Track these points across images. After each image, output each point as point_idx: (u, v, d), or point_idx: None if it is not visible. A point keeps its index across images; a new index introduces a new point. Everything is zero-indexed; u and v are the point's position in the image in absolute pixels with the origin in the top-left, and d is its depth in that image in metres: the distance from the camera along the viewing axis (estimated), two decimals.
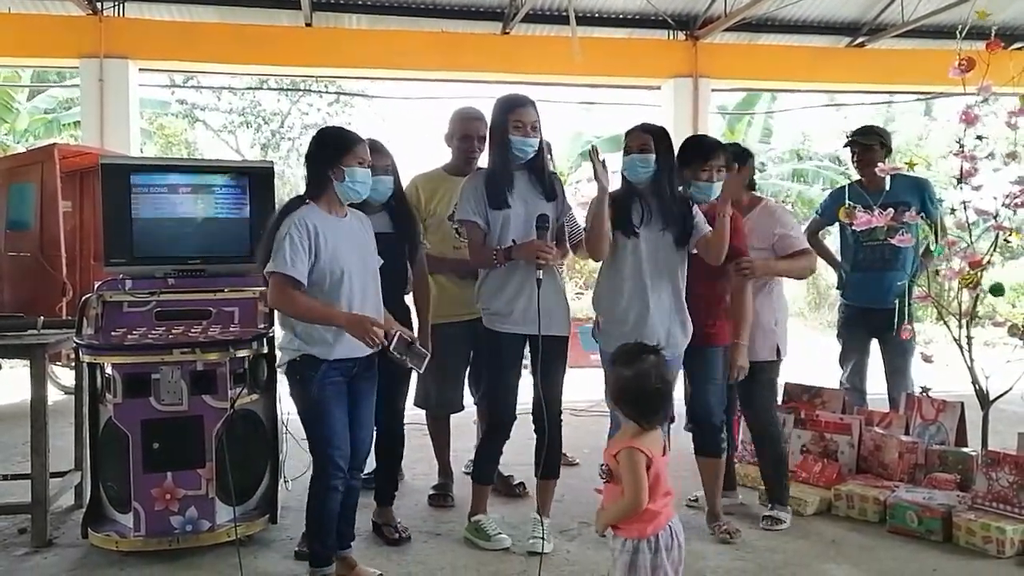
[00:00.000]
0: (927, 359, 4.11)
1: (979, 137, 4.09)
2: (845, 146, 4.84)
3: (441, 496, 4.18)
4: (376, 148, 3.39)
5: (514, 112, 3.43)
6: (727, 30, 9.73)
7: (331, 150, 3.05)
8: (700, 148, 3.64)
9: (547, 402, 3.43)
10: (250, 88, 17.95)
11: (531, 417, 3.52)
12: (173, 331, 3.46)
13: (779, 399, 4.97)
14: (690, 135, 3.66)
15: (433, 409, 4.21)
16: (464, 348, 4.05)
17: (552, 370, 3.46)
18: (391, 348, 2.99)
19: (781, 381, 4.99)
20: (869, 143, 4.59)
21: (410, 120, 25.44)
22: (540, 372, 3.42)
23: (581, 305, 9.62)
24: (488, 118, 3.64)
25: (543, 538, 3.43)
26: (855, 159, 4.70)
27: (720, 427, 3.71)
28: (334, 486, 3.04)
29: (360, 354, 3.04)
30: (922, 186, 4.57)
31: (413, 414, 4.14)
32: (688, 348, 3.56)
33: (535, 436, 3.54)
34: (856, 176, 4.81)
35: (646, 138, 3.49)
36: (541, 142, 3.51)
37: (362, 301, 3.05)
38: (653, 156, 3.47)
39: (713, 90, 10.71)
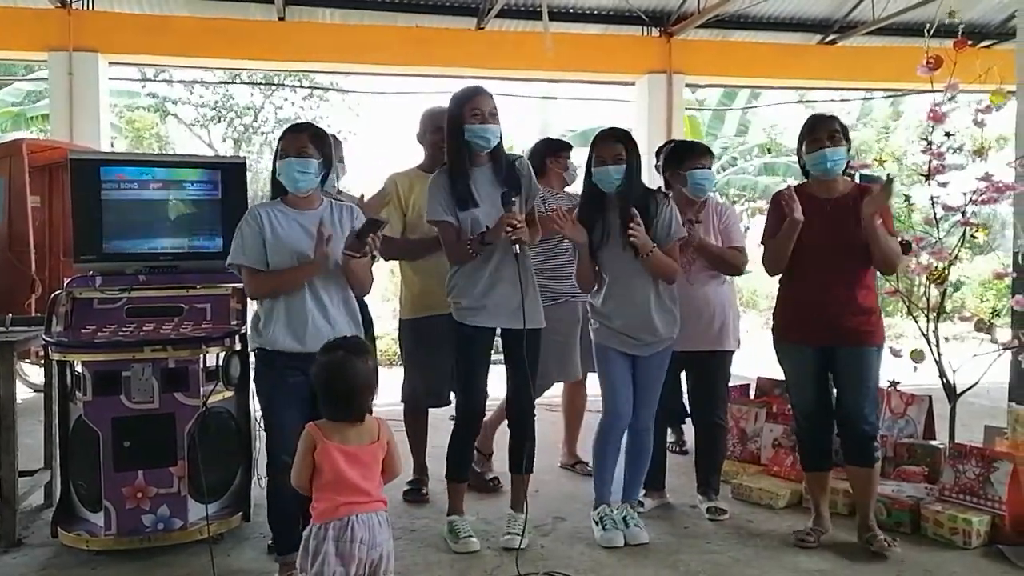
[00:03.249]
0: (896, 353, 4.16)
1: (947, 134, 4.16)
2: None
3: (415, 492, 4.18)
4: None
5: (470, 101, 3.38)
6: (700, 27, 9.78)
7: (274, 152, 3.19)
8: (806, 126, 3.49)
9: (523, 396, 3.48)
10: (222, 82, 17.78)
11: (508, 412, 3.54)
12: (144, 328, 3.42)
13: (751, 393, 5.07)
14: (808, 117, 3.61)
15: (420, 402, 4.19)
16: (451, 341, 4.02)
17: (528, 364, 3.46)
18: (360, 250, 3.05)
19: (753, 375, 5.09)
20: None
21: (384, 115, 25.37)
22: (516, 365, 3.44)
23: None
24: None
25: (516, 533, 3.44)
26: None
27: (874, 435, 3.47)
28: (280, 480, 3.04)
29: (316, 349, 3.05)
30: (875, 182, 4.60)
31: (387, 410, 4.13)
32: (837, 348, 3.40)
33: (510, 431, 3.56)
34: None
35: (619, 148, 3.47)
36: (501, 135, 3.45)
37: (323, 286, 3.09)
38: (625, 166, 3.47)
39: (687, 85, 10.77)
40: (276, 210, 3.12)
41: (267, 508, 3.15)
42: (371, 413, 2.60)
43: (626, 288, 3.49)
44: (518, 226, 3.27)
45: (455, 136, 3.42)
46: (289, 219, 3.11)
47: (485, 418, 3.79)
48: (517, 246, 3.30)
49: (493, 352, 3.54)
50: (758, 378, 5.06)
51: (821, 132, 3.41)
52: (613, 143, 3.49)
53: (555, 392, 4.75)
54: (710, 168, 3.90)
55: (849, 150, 3.47)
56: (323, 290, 3.10)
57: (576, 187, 4.83)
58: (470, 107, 3.37)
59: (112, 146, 11.68)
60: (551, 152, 4.58)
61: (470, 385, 3.51)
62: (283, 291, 3.07)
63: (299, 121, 3.40)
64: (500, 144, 3.46)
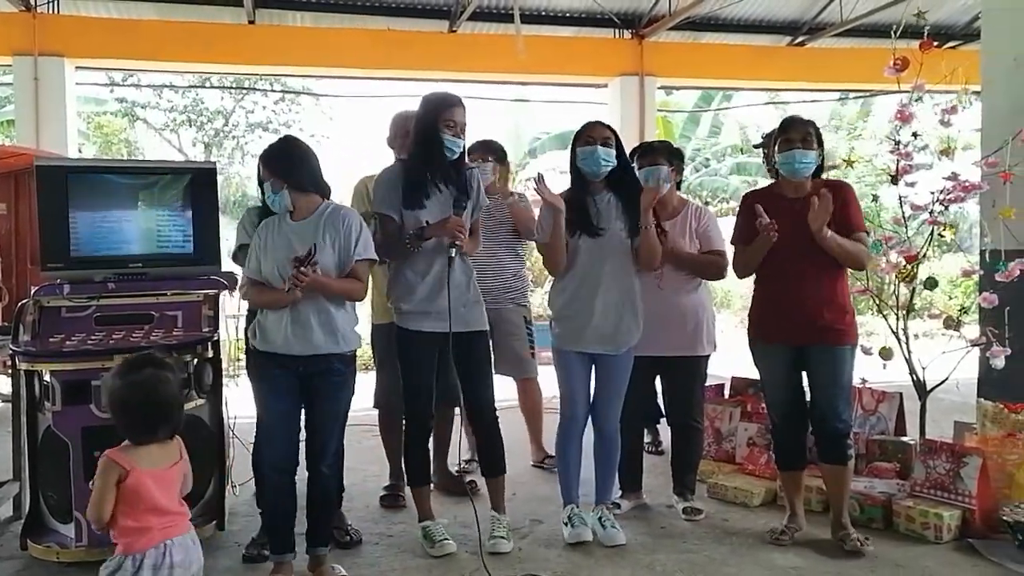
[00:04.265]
0: (866, 351, 4.20)
1: (914, 134, 4.21)
2: (756, 146, 4.82)
3: (392, 497, 4.16)
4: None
5: (447, 111, 3.40)
6: (672, 29, 9.85)
7: None
8: (780, 126, 3.54)
9: (479, 399, 3.49)
10: (192, 86, 17.62)
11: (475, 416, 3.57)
12: (114, 336, 3.38)
13: (726, 392, 5.10)
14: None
15: (394, 407, 4.16)
16: None
17: (479, 367, 3.48)
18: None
19: (727, 374, 5.12)
20: None
21: (358, 118, 25.23)
22: (466, 369, 3.45)
23: (534, 300, 9.67)
24: None
25: (501, 536, 3.47)
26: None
27: (847, 432, 3.50)
28: (267, 476, 3.19)
29: (301, 352, 3.09)
30: None
31: (363, 415, 4.11)
32: (811, 347, 3.42)
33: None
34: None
35: (608, 132, 3.52)
36: (464, 146, 3.50)
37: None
38: (614, 151, 3.50)
39: (660, 87, 10.84)
40: (277, 222, 3.20)
41: (258, 501, 3.17)
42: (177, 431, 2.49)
43: (598, 284, 3.49)
44: (464, 235, 3.33)
45: (425, 139, 3.42)
46: (281, 229, 3.17)
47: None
48: (453, 251, 3.33)
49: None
50: (732, 378, 5.09)
51: (794, 133, 3.45)
52: (603, 127, 3.53)
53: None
54: (661, 166, 3.89)
55: (821, 155, 3.51)
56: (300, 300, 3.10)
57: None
58: (446, 116, 3.38)
59: (80, 152, 11.55)
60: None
61: (415, 390, 3.50)
62: (266, 308, 3.17)
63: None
64: (462, 156, 3.50)
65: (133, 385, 2.39)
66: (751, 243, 3.51)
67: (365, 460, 4.44)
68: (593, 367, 3.62)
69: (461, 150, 3.46)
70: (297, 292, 3.00)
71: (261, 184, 3.25)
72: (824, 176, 3.70)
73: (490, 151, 4.56)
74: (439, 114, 3.39)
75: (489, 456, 3.59)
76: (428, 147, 3.41)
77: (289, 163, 3.17)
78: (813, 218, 3.29)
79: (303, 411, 3.19)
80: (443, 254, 3.38)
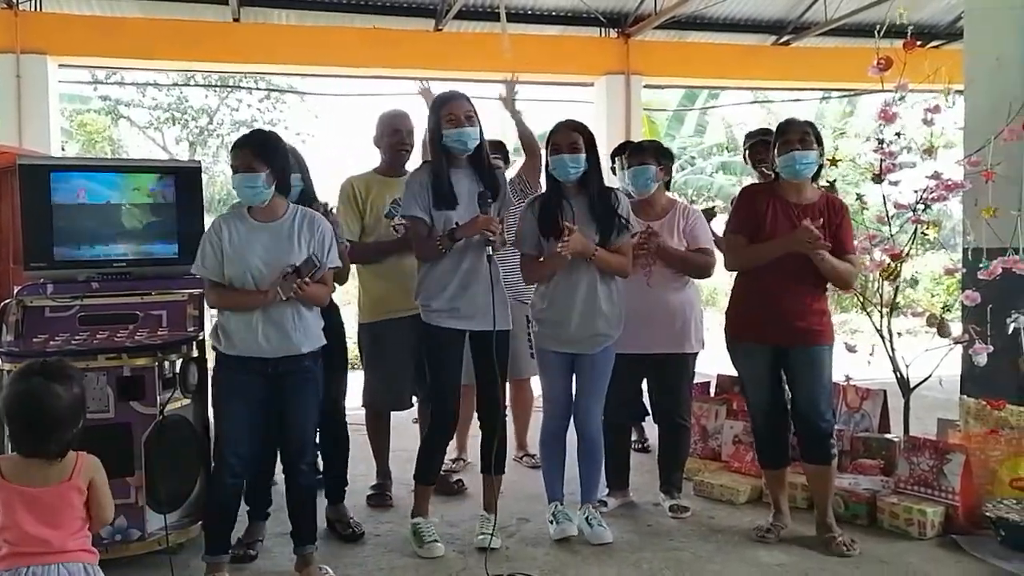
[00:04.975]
0: (851, 348, 4.23)
1: (897, 134, 4.24)
2: (746, 147, 4.80)
3: (379, 496, 4.16)
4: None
5: (444, 107, 3.41)
6: (658, 28, 9.86)
7: None
8: (778, 129, 3.54)
9: (495, 396, 3.49)
10: (176, 84, 17.51)
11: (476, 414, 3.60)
12: (98, 336, 3.35)
13: (712, 390, 5.12)
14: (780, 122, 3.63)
15: (380, 407, 4.16)
16: (411, 344, 3.89)
17: (500, 365, 3.47)
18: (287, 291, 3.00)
19: (713, 372, 5.14)
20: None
21: (344, 117, 25.15)
22: (488, 367, 3.44)
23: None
24: (415, 118, 3.65)
25: (489, 533, 3.46)
26: (757, 159, 4.71)
27: (830, 432, 3.52)
28: (222, 480, 3.15)
29: (276, 354, 3.08)
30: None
31: (350, 415, 4.10)
32: (791, 348, 3.45)
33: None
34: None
35: (575, 136, 3.50)
36: (483, 137, 3.47)
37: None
38: (583, 155, 3.50)
39: (646, 86, 10.85)
40: (237, 221, 3.11)
41: (205, 504, 3.18)
42: (71, 448, 2.28)
43: (571, 283, 3.50)
44: (497, 230, 3.33)
45: (434, 141, 3.44)
46: (248, 231, 3.09)
47: None
48: (490, 248, 3.34)
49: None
50: (718, 375, 5.11)
51: (792, 135, 3.45)
52: (569, 132, 3.52)
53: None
54: (649, 165, 3.93)
55: (822, 155, 3.52)
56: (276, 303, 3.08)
57: None
58: (445, 112, 3.39)
59: (63, 150, 11.45)
60: None
61: (442, 388, 3.49)
62: (235, 310, 3.10)
63: (246, 132, 3.32)
64: (480, 146, 3.47)
65: (17, 394, 2.25)
66: (748, 235, 3.51)
67: (352, 460, 4.42)
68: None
69: (475, 140, 3.42)
70: (281, 296, 2.97)
71: (238, 171, 3.06)
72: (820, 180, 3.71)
73: (499, 150, 4.60)
74: (439, 114, 3.41)
75: (492, 454, 3.57)
76: (440, 148, 3.42)
77: (276, 155, 3.12)
78: (812, 247, 3.29)
79: (269, 414, 3.16)
80: (471, 253, 3.39)
